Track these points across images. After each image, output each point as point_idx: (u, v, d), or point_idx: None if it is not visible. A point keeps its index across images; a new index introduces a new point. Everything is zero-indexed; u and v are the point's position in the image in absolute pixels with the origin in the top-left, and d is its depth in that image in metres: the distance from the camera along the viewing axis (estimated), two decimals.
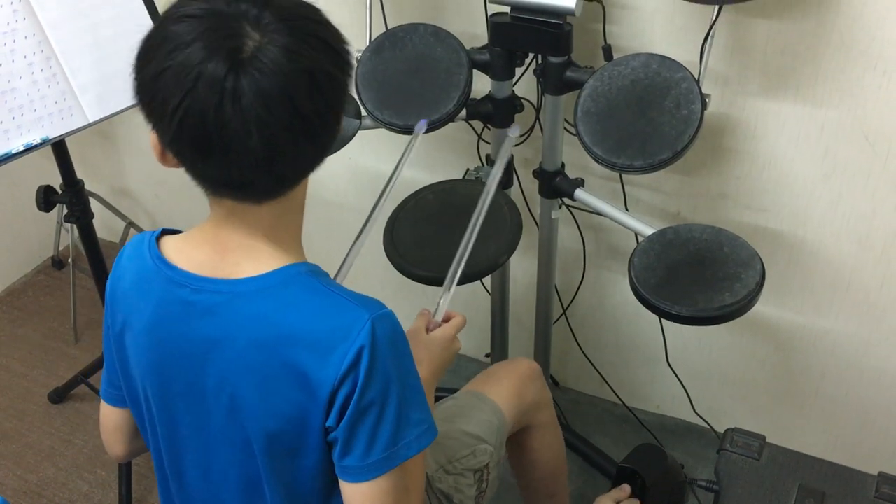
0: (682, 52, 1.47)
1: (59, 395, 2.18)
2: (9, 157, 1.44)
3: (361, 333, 0.88)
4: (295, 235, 0.97)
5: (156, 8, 1.60)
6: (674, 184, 1.72)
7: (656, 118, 1.39)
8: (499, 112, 1.60)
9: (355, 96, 1.57)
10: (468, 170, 1.67)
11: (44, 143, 1.48)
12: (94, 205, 1.88)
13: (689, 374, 1.91)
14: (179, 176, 0.91)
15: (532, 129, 1.70)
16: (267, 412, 0.93)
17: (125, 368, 1.03)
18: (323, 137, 0.88)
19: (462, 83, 1.52)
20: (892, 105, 1.45)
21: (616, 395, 2.03)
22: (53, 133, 1.49)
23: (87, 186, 1.78)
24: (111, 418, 1.12)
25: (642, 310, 1.36)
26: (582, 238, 1.82)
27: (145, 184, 2.52)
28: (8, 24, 1.43)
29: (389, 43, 1.57)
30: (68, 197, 1.65)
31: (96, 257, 1.74)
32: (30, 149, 1.46)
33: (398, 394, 0.91)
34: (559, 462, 1.56)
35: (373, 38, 1.59)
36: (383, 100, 1.53)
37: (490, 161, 1.70)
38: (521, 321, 2.05)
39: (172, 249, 0.97)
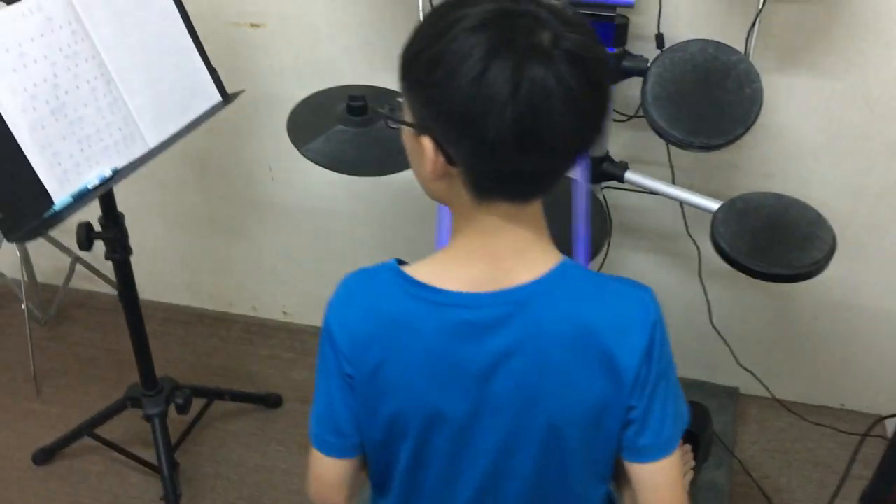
0: (710, 35, 1.59)
1: (47, 455, 1.97)
2: (85, 194, 1.29)
3: (650, 311, 0.93)
4: (547, 232, 0.98)
5: (191, 23, 1.50)
6: (690, 158, 1.85)
7: (722, 97, 1.51)
8: None
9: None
10: None
11: (115, 174, 1.34)
12: (33, 243, 1.71)
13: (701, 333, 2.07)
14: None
15: None
16: (572, 408, 0.94)
17: (373, 410, 0.98)
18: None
19: None
20: (892, 73, 1.67)
21: None
22: (120, 162, 1.36)
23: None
24: (335, 472, 1.04)
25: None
26: (609, 218, 1.91)
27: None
28: (69, 45, 1.28)
29: None
30: (112, 233, 1.49)
31: (132, 298, 1.59)
32: (104, 182, 1.33)
33: (672, 364, 0.97)
34: None
35: None
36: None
37: None
38: None
39: (431, 275, 0.94)
